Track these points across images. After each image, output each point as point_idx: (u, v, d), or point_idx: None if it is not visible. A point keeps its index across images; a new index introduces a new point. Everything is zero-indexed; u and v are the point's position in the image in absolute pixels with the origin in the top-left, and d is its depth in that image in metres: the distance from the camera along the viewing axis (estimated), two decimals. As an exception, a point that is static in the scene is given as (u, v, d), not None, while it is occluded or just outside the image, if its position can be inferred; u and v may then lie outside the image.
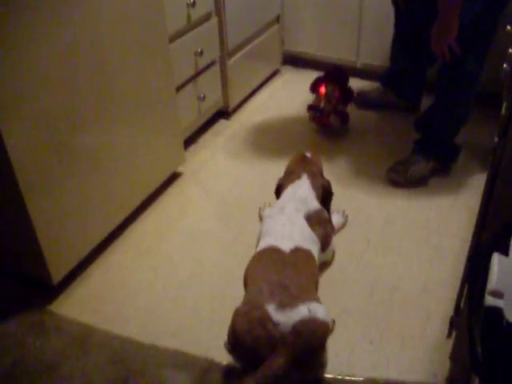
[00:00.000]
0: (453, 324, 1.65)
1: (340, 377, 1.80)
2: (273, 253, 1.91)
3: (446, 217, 2.44)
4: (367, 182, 2.65)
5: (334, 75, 3.03)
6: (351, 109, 3.12)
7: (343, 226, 2.40)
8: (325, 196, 2.19)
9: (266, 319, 1.65)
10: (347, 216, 2.42)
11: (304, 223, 2.03)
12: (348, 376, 1.81)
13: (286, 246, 1.91)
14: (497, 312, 1.09)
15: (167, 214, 2.51)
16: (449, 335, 1.70)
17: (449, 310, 1.69)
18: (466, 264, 1.58)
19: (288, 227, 1.99)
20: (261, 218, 2.33)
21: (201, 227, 2.44)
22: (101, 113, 2.08)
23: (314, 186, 2.16)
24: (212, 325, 1.99)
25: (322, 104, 2.96)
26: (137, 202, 2.43)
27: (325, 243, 2.10)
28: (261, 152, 2.91)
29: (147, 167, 2.42)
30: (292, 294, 1.72)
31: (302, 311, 1.67)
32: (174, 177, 2.69)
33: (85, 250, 2.18)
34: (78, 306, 2.08)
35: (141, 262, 2.27)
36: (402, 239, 2.34)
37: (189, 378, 1.82)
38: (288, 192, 2.14)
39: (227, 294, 2.08)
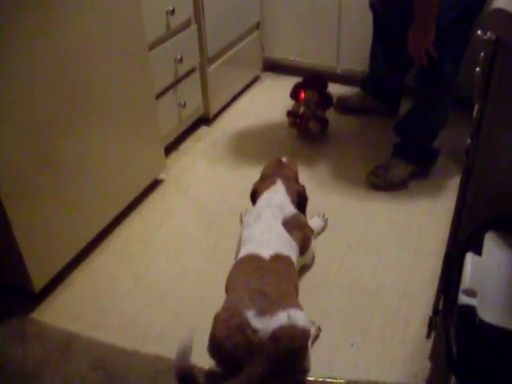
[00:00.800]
0: (431, 324, 1.67)
1: (321, 379, 1.81)
2: (253, 260, 1.92)
3: (426, 219, 2.46)
4: (347, 186, 2.68)
5: (313, 81, 3.05)
6: (331, 114, 3.14)
7: (323, 229, 2.42)
8: (300, 201, 2.21)
9: (245, 326, 1.66)
10: (327, 219, 2.44)
11: (282, 229, 2.04)
12: (329, 378, 1.82)
13: (266, 252, 1.92)
14: (470, 310, 1.11)
15: (149, 221, 2.51)
16: (428, 336, 1.71)
17: (429, 311, 1.71)
18: (442, 264, 1.60)
19: (266, 234, 2.01)
20: (241, 222, 2.36)
21: (183, 233, 2.45)
22: (81, 121, 2.08)
23: (288, 191, 2.18)
24: (194, 330, 1.99)
25: (301, 110, 2.98)
26: (118, 209, 2.43)
27: (303, 247, 2.12)
28: (242, 158, 2.93)
29: (128, 174, 2.43)
30: (272, 301, 1.72)
31: (281, 318, 1.68)
32: (155, 184, 2.70)
33: (66, 257, 2.18)
34: (60, 313, 2.07)
35: (123, 268, 2.27)
36: (382, 242, 2.36)
37: (171, 384, 1.82)
38: (263, 198, 2.15)
39: (209, 299, 2.09)
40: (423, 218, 2.47)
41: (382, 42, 2.96)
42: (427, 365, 1.78)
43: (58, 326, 2.02)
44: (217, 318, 1.73)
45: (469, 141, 1.37)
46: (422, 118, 2.60)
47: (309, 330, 1.74)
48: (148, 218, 2.53)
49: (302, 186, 2.27)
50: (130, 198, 2.51)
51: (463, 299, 1.13)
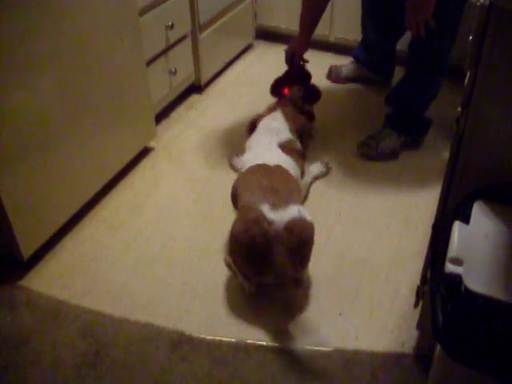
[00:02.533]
0: (419, 294, 1.67)
1: (309, 347, 1.82)
2: (259, 167, 2.08)
3: (416, 189, 2.46)
4: (339, 156, 2.66)
5: (295, 74, 2.79)
6: (325, 83, 3.12)
7: (322, 175, 2.50)
8: (301, 130, 2.38)
9: (261, 219, 1.79)
10: (330, 167, 2.54)
11: (279, 151, 2.21)
12: (317, 347, 1.83)
13: (270, 162, 2.10)
14: (456, 279, 1.11)
15: (139, 189, 2.50)
16: (416, 305, 1.72)
17: (417, 281, 1.71)
18: (431, 233, 1.60)
19: (267, 153, 2.18)
20: (231, 166, 2.53)
21: (172, 201, 2.44)
22: (71, 88, 2.06)
23: (288, 118, 2.34)
24: (183, 298, 2.00)
25: None
26: (108, 176, 2.42)
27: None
28: (233, 127, 2.91)
29: (118, 142, 2.41)
30: (283, 196, 1.89)
31: (292, 211, 1.84)
32: (145, 151, 2.68)
33: (56, 225, 2.17)
34: (49, 280, 2.07)
35: (112, 236, 2.26)
36: (372, 212, 2.36)
37: (160, 351, 1.82)
38: (262, 123, 2.34)
39: (198, 267, 2.09)
40: (414, 188, 2.47)
41: (371, 10, 2.93)
42: (415, 333, 1.80)
43: (47, 294, 2.02)
44: (237, 218, 1.91)
45: (459, 109, 1.36)
46: (415, 88, 2.58)
47: (313, 224, 1.90)
48: (138, 186, 2.52)
49: (304, 118, 2.46)
50: (120, 165, 2.49)
51: (449, 267, 1.13)
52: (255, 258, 1.80)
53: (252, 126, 2.39)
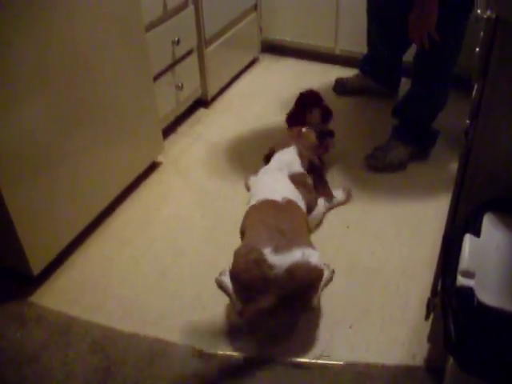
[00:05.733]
0: (430, 306, 1.67)
1: (320, 361, 1.82)
2: (267, 203, 2.04)
3: (425, 200, 2.46)
4: (346, 169, 2.67)
5: (309, 99, 2.74)
6: (330, 95, 3.13)
7: (341, 203, 2.47)
8: (311, 168, 2.29)
9: (262, 261, 1.76)
10: (350, 195, 2.50)
11: (288, 181, 2.17)
12: (328, 360, 1.82)
13: (278, 197, 2.04)
14: (468, 292, 1.11)
15: (147, 204, 2.51)
16: (427, 318, 1.71)
17: (427, 291, 1.70)
18: (441, 246, 1.60)
19: (275, 184, 2.16)
20: (248, 188, 2.48)
21: (181, 215, 2.45)
22: (78, 104, 2.06)
23: (300, 154, 2.28)
24: (193, 312, 2.00)
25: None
26: (116, 191, 2.42)
27: (308, 208, 2.18)
28: (240, 140, 2.92)
29: (126, 157, 2.42)
30: (288, 238, 1.84)
31: (296, 255, 1.78)
32: (153, 166, 2.69)
33: (65, 241, 2.17)
34: (59, 296, 2.07)
35: (121, 251, 2.26)
36: (381, 223, 2.36)
37: (170, 366, 1.82)
38: (275, 157, 2.29)
39: (207, 281, 2.09)
40: (422, 199, 2.47)
41: (377, 22, 2.94)
42: (426, 346, 1.79)
43: (57, 310, 2.02)
44: (237, 253, 1.86)
45: (468, 121, 1.36)
46: (422, 99, 2.58)
47: (321, 269, 1.86)
48: (146, 201, 2.52)
49: (316, 157, 2.36)
50: (128, 180, 2.50)
51: (461, 280, 1.13)
52: (250, 295, 1.78)
53: (268, 158, 2.35)
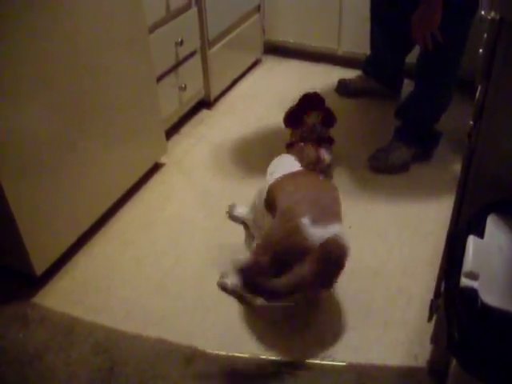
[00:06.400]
0: (433, 307, 1.67)
1: (323, 362, 1.82)
2: (300, 174, 2.07)
3: (427, 202, 2.46)
4: (349, 169, 2.67)
5: (311, 101, 2.61)
6: (334, 96, 3.13)
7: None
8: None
9: (301, 230, 1.77)
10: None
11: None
12: (331, 361, 1.82)
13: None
14: (472, 293, 1.11)
15: (150, 204, 2.51)
16: (429, 319, 1.71)
17: (429, 291, 1.71)
18: (444, 247, 1.60)
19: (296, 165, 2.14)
20: (232, 218, 2.40)
21: (184, 216, 2.45)
22: (81, 106, 2.07)
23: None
24: (196, 313, 2.00)
25: (307, 135, 2.52)
26: (119, 192, 2.43)
27: None
28: (242, 141, 2.92)
29: (129, 158, 2.42)
30: (324, 211, 1.86)
31: (333, 230, 1.79)
32: (156, 167, 2.69)
33: (68, 241, 2.17)
34: (62, 297, 2.07)
35: (124, 251, 2.27)
36: (383, 224, 2.36)
37: (173, 367, 1.82)
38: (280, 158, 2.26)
39: (210, 282, 2.09)
40: (424, 200, 2.47)
41: (380, 23, 2.94)
42: (428, 346, 1.79)
43: (60, 310, 2.02)
44: (277, 220, 1.88)
45: (471, 123, 1.36)
46: (425, 100, 2.58)
47: (349, 247, 1.83)
48: (149, 202, 2.52)
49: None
50: (131, 181, 2.50)
51: (465, 282, 1.13)
52: (284, 264, 1.77)
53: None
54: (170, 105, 2.80)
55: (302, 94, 2.67)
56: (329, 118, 2.63)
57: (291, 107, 2.63)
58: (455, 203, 1.50)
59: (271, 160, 2.26)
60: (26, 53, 1.77)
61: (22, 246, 1.95)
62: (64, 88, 1.97)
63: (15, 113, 1.79)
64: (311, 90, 2.66)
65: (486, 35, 1.29)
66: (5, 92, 1.73)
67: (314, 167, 2.18)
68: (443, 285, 1.47)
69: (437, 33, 2.24)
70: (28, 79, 1.81)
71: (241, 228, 2.28)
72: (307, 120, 2.57)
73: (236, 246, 2.24)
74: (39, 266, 2.04)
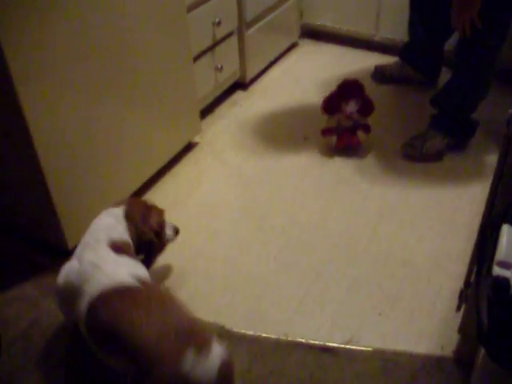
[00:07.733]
0: (462, 297, 1.65)
1: (348, 347, 1.82)
2: (122, 293, 1.54)
3: (460, 192, 2.43)
4: (382, 157, 2.65)
5: (350, 88, 2.66)
6: (369, 82, 3.12)
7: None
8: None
9: (184, 375, 1.35)
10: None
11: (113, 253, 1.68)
12: (357, 346, 1.83)
13: (126, 279, 1.57)
14: (504, 282, 1.10)
15: (182, 183, 2.53)
16: (458, 309, 1.70)
17: (459, 283, 1.70)
18: (477, 237, 1.58)
19: (106, 264, 1.63)
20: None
21: (215, 196, 2.46)
22: (118, 83, 2.09)
23: (130, 216, 1.82)
24: (224, 292, 2.01)
25: (343, 123, 2.64)
26: (152, 170, 2.45)
27: None
28: (276, 124, 2.92)
29: (163, 136, 2.44)
30: (196, 336, 1.43)
31: (218, 353, 1.42)
32: (190, 146, 2.71)
33: (100, 217, 2.20)
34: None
35: (155, 229, 2.28)
36: (415, 213, 2.34)
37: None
38: (94, 222, 1.83)
39: (240, 262, 2.11)
40: (457, 191, 2.44)
41: (419, 9, 2.90)
42: (455, 337, 1.78)
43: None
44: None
45: (510, 111, 1.34)
46: (462, 88, 2.54)
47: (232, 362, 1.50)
48: (181, 181, 2.54)
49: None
50: (165, 159, 2.52)
51: (497, 271, 1.11)
52: None
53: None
54: (206, 85, 2.81)
55: (341, 80, 2.67)
56: (367, 107, 2.63)
57: (330, 93, 2.62)
58: (490, 192, 1.48)
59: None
60: (63, 30, 1.79)
61: (56, 218, 1.99)
62: (101, 64, 1.98)
63: (54, 89, 1.81)
64: (351, 77, 2.65)
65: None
66: (43, 70, 1.76)
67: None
68: (474, 274, 1.46)
69: (477, 19, 2.21)
70: (67, 56, 1.83)
71: (271, 209, 2.29)
72: (345, 108, 2.57)
73: (265, 228, 2.24)
74: (72, 240, 2.06)
